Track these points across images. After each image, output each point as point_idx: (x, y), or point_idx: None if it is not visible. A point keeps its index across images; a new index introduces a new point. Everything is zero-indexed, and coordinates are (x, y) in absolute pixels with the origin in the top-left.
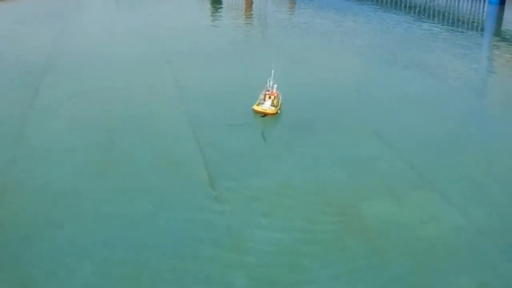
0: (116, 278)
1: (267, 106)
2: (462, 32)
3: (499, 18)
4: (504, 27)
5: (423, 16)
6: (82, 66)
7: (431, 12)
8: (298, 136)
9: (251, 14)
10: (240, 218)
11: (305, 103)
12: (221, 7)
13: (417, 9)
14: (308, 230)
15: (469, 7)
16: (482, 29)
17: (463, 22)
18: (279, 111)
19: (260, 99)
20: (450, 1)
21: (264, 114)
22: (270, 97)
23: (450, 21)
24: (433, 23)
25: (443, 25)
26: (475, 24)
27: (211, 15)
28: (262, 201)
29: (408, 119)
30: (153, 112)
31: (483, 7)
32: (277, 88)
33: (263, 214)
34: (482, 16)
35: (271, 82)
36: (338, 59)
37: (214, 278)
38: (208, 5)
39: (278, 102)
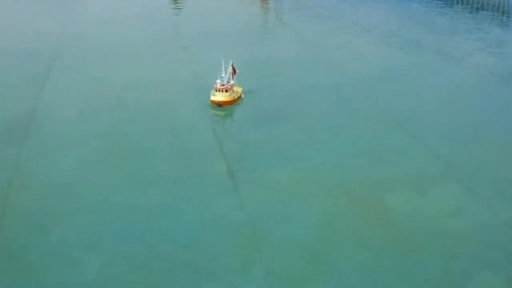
0: (127, 271)
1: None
2: (488, 17)
3: None
4: None
5: (447, 3)
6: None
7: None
8: (318, 122)
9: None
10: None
11: (322, 90)
12: None
13: None
14: (328, 222)
15: None
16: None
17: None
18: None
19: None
20: None
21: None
22: (222, 91)
23: (474, 7)
24: (457, 11)
25: (467, 12)
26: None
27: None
28: (282, 191)
29: (433, 108)
30: (169, 100)
31: None
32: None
33: (282, 203)
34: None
35: (222, 75)
36: (358, 45)
37: (232, 271)
38: None
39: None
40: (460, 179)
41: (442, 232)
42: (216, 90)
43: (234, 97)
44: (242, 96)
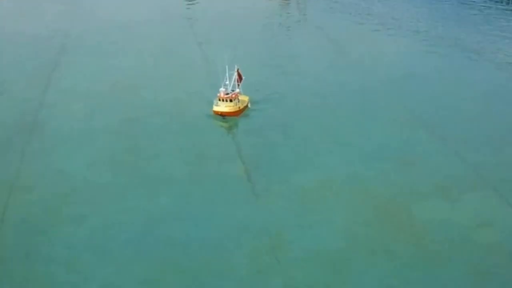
0: (136, 280)
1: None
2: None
3: None
4: None
5: None
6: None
7: None
8: (339, 125)
9: None
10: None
11: (345, 91)
12: None
13: None
14: (351, 230)
15: None
16: None
17: None
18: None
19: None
20: None
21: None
22: (226, 100)
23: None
24: (490, 6)
25: (501, 8)
26: None
27: None
28: (303, 198)
29: (462, 110)
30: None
31: None
32: (237, 81)
33: (303, 210)
34: None
35: (226, 82)
36: (381, 41)
37: (248, 281)
38: None
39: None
40: (493, 186)
41: (473, 245)
42: (219, 100)
43: (239, 107)
44: (249, 105)
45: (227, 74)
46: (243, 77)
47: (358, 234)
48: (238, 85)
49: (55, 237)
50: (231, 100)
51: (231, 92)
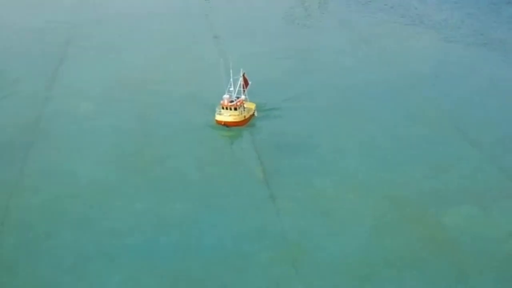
0: None
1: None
2: None
3: None
4: None
5: None
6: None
7: None
8: (365, 126)
9: None
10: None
11: (371, 86)
12: None
13: None
14: (376, 239)
15: None
16: None
17: None
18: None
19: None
20: None
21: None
22: (229, 108)
23: None
24: None
25: None
26: None
27: None
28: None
29: (501, 113)
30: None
31: None
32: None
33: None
34: None
35: (231, 88)
36: (414, 39)
37: None
38: None
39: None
40: None
41: (507, 256)
42: (223, 108)
43: (244, 116)
44: (255, 114)
45: (231, 79)
46: (250, 82)
47: (385, 244)
48: (244, 91)
49: (63, 241)
50: (235, 109)
51: (235, 99)
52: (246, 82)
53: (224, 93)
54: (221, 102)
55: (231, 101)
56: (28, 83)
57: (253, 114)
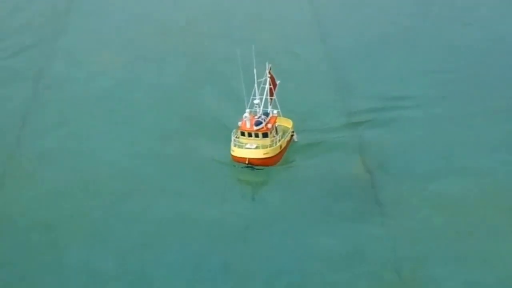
0: None
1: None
2: None
3: None
4: None
5: None
6: None
7: None
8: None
9: None
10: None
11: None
12: None
13: None
14: None
15: None
16: None
17: None
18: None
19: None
20: None
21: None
22: (256, 135)
23: None
24: None
25: None
26: None
27: None
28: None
29: None
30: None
31: None
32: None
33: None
34: None
35: (256, 100)
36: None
37: None
38: None
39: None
40: None
41: None
42: (243, 134)
43: (281, 146)
44: (295, 138)
45: (255, 85)
46: (278, 82)
47: None
48: (271, 99)
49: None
50: (265, 135)
51: (264, 118)
52: (273, 83)
53: (244, 108)
54: (240, 123)
55: (258, 123)
56: None
57: (290, 139)
